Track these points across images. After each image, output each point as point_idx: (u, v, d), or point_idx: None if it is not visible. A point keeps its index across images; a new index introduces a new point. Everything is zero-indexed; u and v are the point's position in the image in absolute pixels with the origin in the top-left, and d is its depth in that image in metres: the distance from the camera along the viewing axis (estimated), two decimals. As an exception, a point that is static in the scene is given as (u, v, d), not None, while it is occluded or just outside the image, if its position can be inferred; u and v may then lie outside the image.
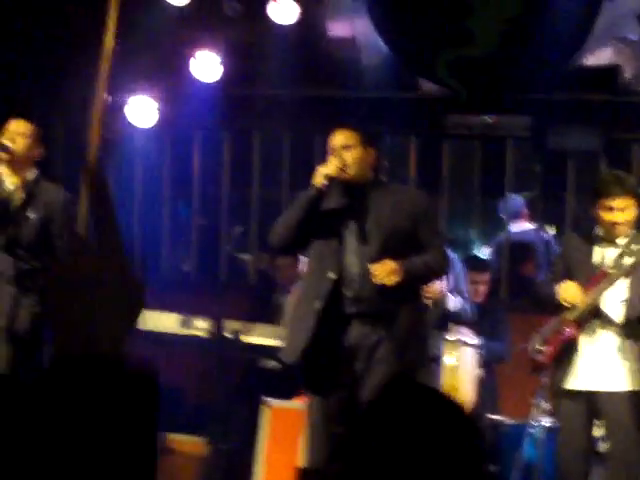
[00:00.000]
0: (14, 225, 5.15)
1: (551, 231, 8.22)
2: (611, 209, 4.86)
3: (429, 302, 5.74)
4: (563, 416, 5.04)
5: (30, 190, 5.24)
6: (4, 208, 5.16)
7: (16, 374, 4.97)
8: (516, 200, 8.12)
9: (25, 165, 5.26)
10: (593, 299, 4.87)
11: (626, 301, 4.89)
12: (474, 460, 1.86)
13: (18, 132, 5.21)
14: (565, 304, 4.91)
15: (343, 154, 4.71)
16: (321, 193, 4.66)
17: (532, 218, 8.11)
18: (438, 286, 5.80)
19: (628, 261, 4.89)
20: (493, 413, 6.25)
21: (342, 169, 4.67)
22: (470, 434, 1.88)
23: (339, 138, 4.78)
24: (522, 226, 8.08)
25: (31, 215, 5.18)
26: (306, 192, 4.70)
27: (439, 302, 6.06)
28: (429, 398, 1.91)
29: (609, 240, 4.99)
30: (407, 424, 1.85)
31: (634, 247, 4.89)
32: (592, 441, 5.15)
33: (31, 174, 5.28)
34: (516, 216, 8.08)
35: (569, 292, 4.89)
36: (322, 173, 4.65)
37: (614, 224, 4.89)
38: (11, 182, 5.22)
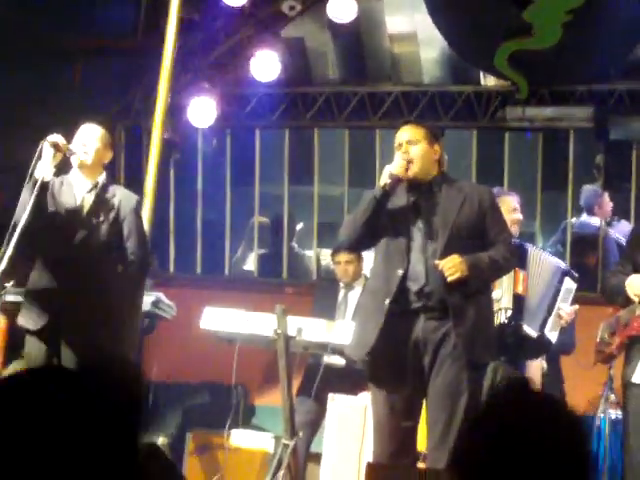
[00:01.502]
0: (85, 228, 5.21)
1: (625, 223, 8.10)
2: None
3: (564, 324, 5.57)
4: (631, 409, 5.00)
5: (101, 194, 5.30)
6: (75, 213, 5.23)
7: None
8: (590, 192, 8.05)
9: (95, 169, 5.32)
10: None
11: None
12: (582, 467, 1.86)
13: (89, 137, 5.27)
14: (633, 297, 4.86)
15: (409, 149, 4.72)
16: (386, 194, 4.67)
17: (605, 211, 8.02)
18: (572, 310, 5.65)
19: None
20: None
21: (407, 167, 4.68)
22: (580, 441, 1.88)
23: (405, 133, 4.78)
24: (591, 218, 8.02)
25: (102, 218, 5.24)
26: (372, 192, 4.71)
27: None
28: (542, 403, 1.90)
29: None
30: (520, 429, 1.84)
31: None
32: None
33: (101, 178, 5.34)
34: (589, 208, 8.02)
35: (637, 286, 4.83)
36: (388, 173, 4.66)
37: None
38: (82, 187, 5.30)
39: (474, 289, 4.65)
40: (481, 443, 1.86)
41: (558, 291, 5.53)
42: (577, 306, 5.64)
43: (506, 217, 5.41)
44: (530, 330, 5.42)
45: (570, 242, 7.91)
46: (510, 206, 5.72)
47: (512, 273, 5.32)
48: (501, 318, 5.36)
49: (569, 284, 5.59)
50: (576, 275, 5.73)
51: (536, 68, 7.60)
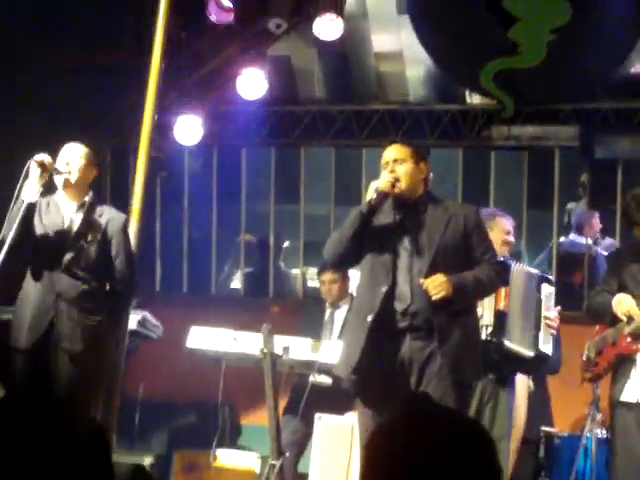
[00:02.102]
0: (74, 248, 5.20)
1: (609, 240, 8.12)
2: None
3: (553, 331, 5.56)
4: (619, 428, 5.00)
5: (88, 214, 5.28)
6: (63, 234, 5.22)
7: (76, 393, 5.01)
8: (581, 212, 8.08)
9: (81, 188, 5.30)
10: None
11: None
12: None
13: (72, 155, 5.25)
14: (621, 316, 4.86)
15: (395, 167, 4.73)
16: (373, 209, 4.67)
17: (594, 230, 8.04)
18: (557, 314, 5.65)
19: None
20: (545, 425, 6.20)
21: (394, 184, 4.68)
22: (490, 459, 1.86)
23: (391, 152, 4.79)
24: (580, 237, 8.04)
25: (90, 238, 5.23)
26: (359, 208, 4.72)
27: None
28: (445, 418, 1.88)
29: None
30: (428, 447, 1.82)
31: None
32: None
33: (88, 197, 5.33)
34: (579, 227, 8.05)
35: (625, 305, 4.84)
36: (374, 189, 4.67)
37: None
38: (68, 207, 5.28)
39: (459, 308, 4.65)
40: (390, 460, 1.84)
41: (540, 302, 5.54)
42: (559, 307, 5.65)
43: (498, 238, 5.44)
44: (520, 348, 5.42)
45: (559, 260, 7.92)
46: (504, 228, 5.74)
47: (507, 290, 5.33)
48: (482, 335, 5.36)
49: (547, 289, 5.60)
50: (550, 277, 5.76)
51: (522, 87, 7.63)
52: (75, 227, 5.24)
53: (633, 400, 4.91)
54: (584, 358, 5.09)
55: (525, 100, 7.73)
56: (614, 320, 4.94)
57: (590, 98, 7.70)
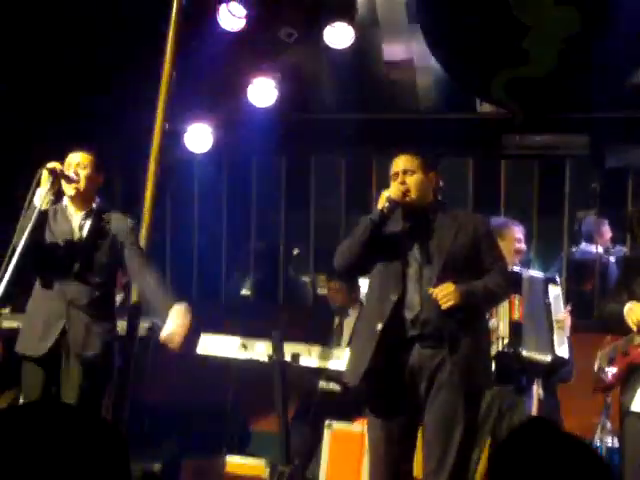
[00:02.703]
0: (83, 256, 5.21)
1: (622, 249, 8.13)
2: None
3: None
4: (629, 437, 4.99)
5: (96, 221, 5.29)
6: (73, 242, 5.23)
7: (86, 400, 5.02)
8: (591, 220, 8.08)
9: (88, 196, 5.30)
10: None
11: None
12: None
13: (79, 164, 5.25)
14: (632, 326, 4.85)
15: (405, 178, 4.74)
16: (384, 217, 4.69)
17: (605, 239, 8.05)
18: (567, 314, 5.68)
19: None
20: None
21: (404, 193, 4.70)
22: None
23: (401, 162, 4.80)
24: (591, 246, 8.04)
25: (99, 244, 5.24)
26: (370, 216, 4.73)
27: None
28: (563, 442, 1.88)
29: None
30: (538, 469, 1.83)
31: None
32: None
33: (95, 204, 5.34)
34: (588, 236, 8.05)
35: (635, 314, 4.83)
36: (385, 197, 4.68)
37: None
38: (76, 215, 5.29)
39: (469, 317, 4.66)
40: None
41: (549, 306, 5.55)
42: (569, 307, 5.68)
43: (509, 247, 5.46)
44: (537, 355, 5.44)
45: (570, 269, 7.92)
46: (515, 236, 5.76)
47: (507, 301, 5.35)
48: (499, 346, 5.39)
49: (554, 291, 5.62)
50: (556, 278, 5.77)
51: (532, 96, 7.64)
52: (84, 234, 5.26)
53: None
54: (595, 368, 5.08)
55: (536, 109, 7.74)
56: (625, 329, 4.93)
57: (600, 107, 7.70)
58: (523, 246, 5.88)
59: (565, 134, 7.78)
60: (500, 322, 5.41)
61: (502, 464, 1.88)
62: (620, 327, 4.93)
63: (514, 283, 5.24)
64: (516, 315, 5.42)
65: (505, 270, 4.86)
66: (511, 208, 7.93)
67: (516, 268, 5.67)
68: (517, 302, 5.41)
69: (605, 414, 5.46)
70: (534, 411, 5.70)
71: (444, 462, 4.56)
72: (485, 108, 8.05)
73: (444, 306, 4.54)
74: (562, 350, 5.49)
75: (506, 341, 5.40)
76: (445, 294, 4.54)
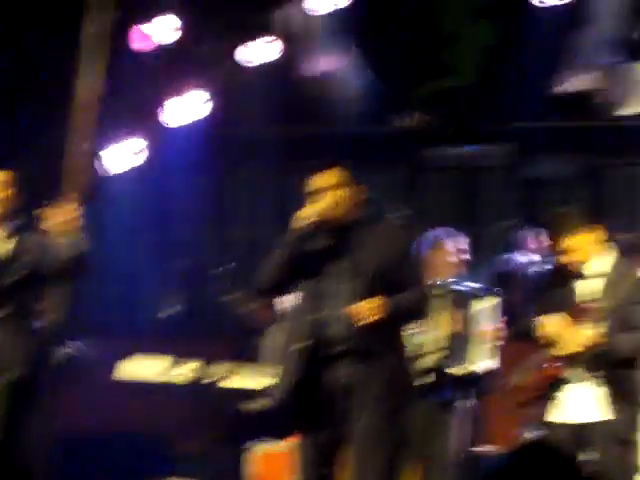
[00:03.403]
0: (8, 277, 5.15)
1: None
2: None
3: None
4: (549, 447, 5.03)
5: (18, 241, 5.23)
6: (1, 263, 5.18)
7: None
8: (517, 229, 8.16)
9: (7, 214, 5.25)
10: (577, 336, 4.85)
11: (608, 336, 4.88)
12: None
13: None
14: (544, 339, 4.90)
15: (327, 194, 4.72)
16: (303, 236, 4.66)
17: (538, 247, 8.12)
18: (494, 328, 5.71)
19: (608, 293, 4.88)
20: (479, 444, 6.23)
21: (324, 211, 4.67)
22: None
23: (323, 178, 4.77)
24: (517, 255, 8.12)
25: (21, 262, 5.18)
26: (288, 235, 4.70)
27: None
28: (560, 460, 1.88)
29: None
30: None
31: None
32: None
33: (13, 224, 5.28)
34: (516, 245, 8.12)
35: (549, 328, 4.88)
36: (303, 217, 4.66)
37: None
38: None
39: (392, 332, 4.66)
40: None
41: (471, 319, 5.60)
42: (498, 321, 5.72)
43: (455, 257, 5.49)
44: (454, 369, 5.47)
45: (496, 280, 7.98)
46: (460, 247, 5.78)
47: (448, 313, 5.40)
48: (427, 361, 5.44)
49: (481, 303, 5.66)
50: (482, 289, 5.80)
51: (453, 108, 7.71)
52: (6, 255, 5.20)
53: (560, 420, 4.95)
54: (513, 383, 5.12)
55: (460, 120, 7.81)
56: (541, 343, 4.97)
57: (522, 118, 7.79)
58: (468, 256, 5.89)
59: (487, 144, 7.86)
60: (430, 336, 5.44)
61: None
62: (535, 341, 4.97)
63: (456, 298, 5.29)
64: (454, 328, 5.46)
65: (423, 287, 4.87)
66: (433, 220, 7.97)
67: (451, 280, 5.70)
68: (455, 316, 5.45)
69: (526, 425, 5.50)
70: (455, 425, 5.73)
71: (368, 479, 4.55)
72: (411, 121, 8.10)
73: (366, 321, 4.53)
74: (480, 363, 5.52)
75: (435, 355, 5.43)
76: (367, 309, 4.54)
